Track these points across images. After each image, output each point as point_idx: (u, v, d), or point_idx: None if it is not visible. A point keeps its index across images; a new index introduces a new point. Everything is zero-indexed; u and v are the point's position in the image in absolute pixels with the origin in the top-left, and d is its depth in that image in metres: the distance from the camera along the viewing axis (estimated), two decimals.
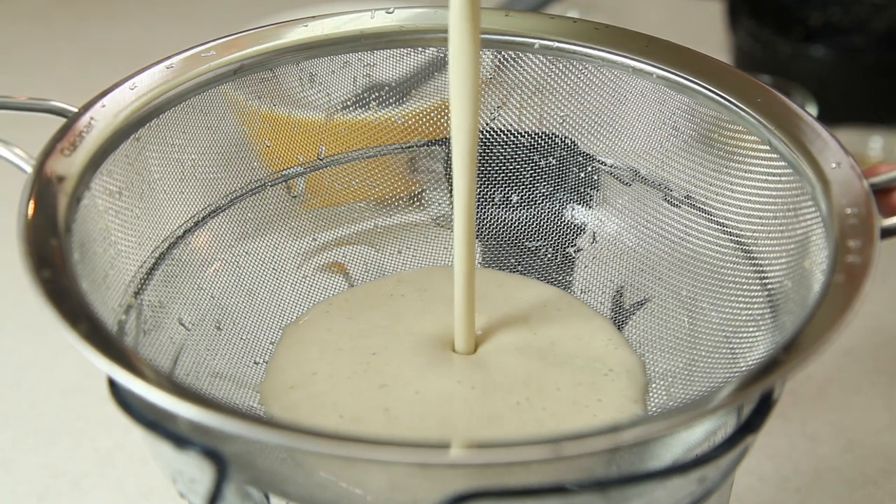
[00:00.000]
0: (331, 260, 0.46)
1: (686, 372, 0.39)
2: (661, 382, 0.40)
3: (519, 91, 0.44)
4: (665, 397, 0.39)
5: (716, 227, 0.40)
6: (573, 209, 0.45)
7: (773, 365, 0.28)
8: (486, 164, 0.46)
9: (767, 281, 0.37)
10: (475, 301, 0.38)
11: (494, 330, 0.41)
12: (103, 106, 0.37)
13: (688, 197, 0.41)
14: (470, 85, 0.34)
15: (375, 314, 0.42)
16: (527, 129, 0.45)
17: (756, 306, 0.37)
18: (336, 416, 0.36)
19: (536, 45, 0.43)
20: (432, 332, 0.41)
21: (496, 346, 0.40)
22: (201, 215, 0.42)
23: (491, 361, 0.39)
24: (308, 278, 0.45)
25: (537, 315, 0.42)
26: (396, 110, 0.46)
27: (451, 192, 0.41)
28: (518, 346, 0.40)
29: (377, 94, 0.45)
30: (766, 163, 0.38)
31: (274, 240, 0.44)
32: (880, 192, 0.34)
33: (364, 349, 0.40)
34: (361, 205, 0.46)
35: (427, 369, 0.38)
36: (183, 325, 0.39)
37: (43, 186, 0.33)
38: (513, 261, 0.46)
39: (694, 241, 0.41)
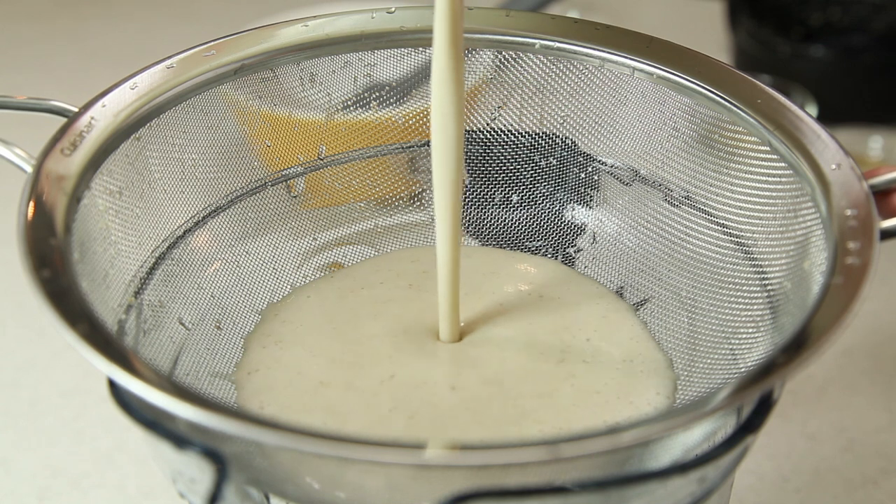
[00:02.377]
0: (331, 260, 0.46)
1: (685, 372, 0.39)
2: None
3: (519, 91, 0.44)
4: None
5: (716, 227, 0.40)
6: (573, 209, 0.45)
7: (771, 367, 0.28)
8: (486, 165, 0.46)
9: (767, 282, 0.37)
10: (460, 286, 0.38)
11: (487, 317, 0.41)
12: (104, 105, 0.37)
13: (688, 197, 0.41)
14: (453, 87, 0.34)
15: (357, 299, 0.42)
16: (527, 130, 0.45)
17: (756, 307, 0.37)
18: (316, 410, 0.36)
19: (537, 45, 0.43)
20: (417, 319, 0.40)
21: (486, 335, 0.40)
22: (201, 215, 0.42)
23: (479, 353, 0.39)
24: (308, 278, 0.45)
25: (543, 296, 0.42)
26: (397, 110, 0.46)
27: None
28: (516, 333, 0.40)
29: (377, 93, 0.45)
30: (766, 164, 0.38)
31: (274, 240, 0.44)
32: (880, 193, 0.34)
33: (343, 338, 0.39)
34: (361, 205, 0.47)
35: (409, 360, 0.38)
36: (183, 324, 0.39)
37: (43, 186, 0.33)
38: None
39: (694, 241, 0.41)
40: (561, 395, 0.37)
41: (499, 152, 0.45)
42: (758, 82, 0.39)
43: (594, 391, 0.37)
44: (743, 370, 0.36)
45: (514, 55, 0.43)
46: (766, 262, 0.37)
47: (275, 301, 0.42)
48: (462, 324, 0.40)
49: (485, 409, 0.36)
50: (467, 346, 0.39)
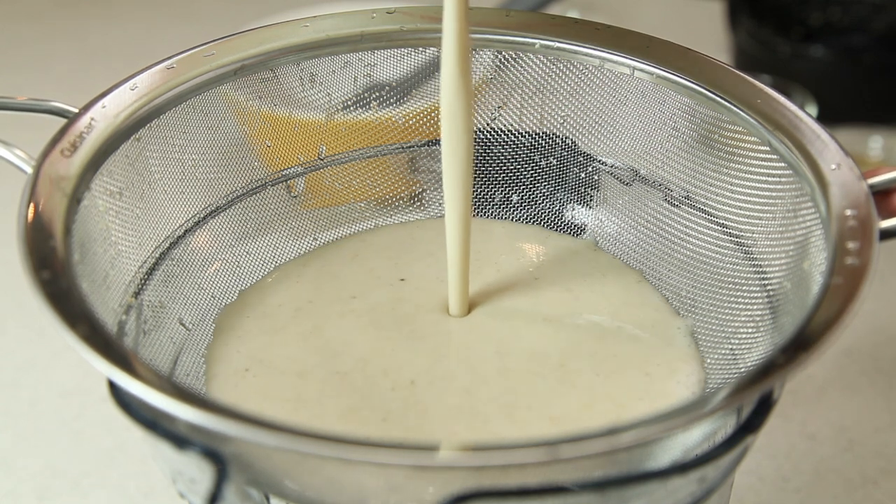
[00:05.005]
0: None
1: None
2: None
3: (519, 91, 0.44)
4: None
5: (716, 227, 0.40)
6: (573, 209, 0.45)
7: (771, 367, 0.28)
8: (486, 165, 0.46)
9: (767, 282, 0.37)
10: (469, 257, 0.38)
11: (499, 290, 0.40)
12: (104, 106, 0.37)
13: (688, 197, 0.41)
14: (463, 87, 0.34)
15: (356, 271, 0.42)
16: (527, 130, 0.45)
17: (756, 307, 0.37)
18: (320, 407, 0.36)
19: (537, 45, 0.43)
20: (423, 292, 0.40)
21: (496, 309, 0.39)
22: (201, 215, 0.42)
23: (490, 328, 0.38)
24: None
25: (559, 271, 0.42)
26: (397, 110, 0.46)
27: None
28: (527, 306, 0.39)
29: (378, 94, 0.45)
30: (765, 164, 0.38)
31: (274, 240, 0.44)
32: (880, 193, 0.34)
33: (343, 317, 0.39)
34: (361, 205, 0.47)
35: (415, 341, 0.38)
36: (183, 325, 0.39)
37: (43, 187, 0.33)
38: None
39: (694, 241, 0.41)
40: (579, 381, 0.37)
41: (499, 152, 0.45)
42: (758, 82, 0.39)
43: (616, 368, 0.37)
44: (743, 370, 0.36)
45: (514, 55, 0.43)
46: (766, 262, 0.37)
47: (228, 303, 0.42)
48: (483, 288, 0.40)
49: (496, 387, 0.36)
50: (479, 321, 0.39)
